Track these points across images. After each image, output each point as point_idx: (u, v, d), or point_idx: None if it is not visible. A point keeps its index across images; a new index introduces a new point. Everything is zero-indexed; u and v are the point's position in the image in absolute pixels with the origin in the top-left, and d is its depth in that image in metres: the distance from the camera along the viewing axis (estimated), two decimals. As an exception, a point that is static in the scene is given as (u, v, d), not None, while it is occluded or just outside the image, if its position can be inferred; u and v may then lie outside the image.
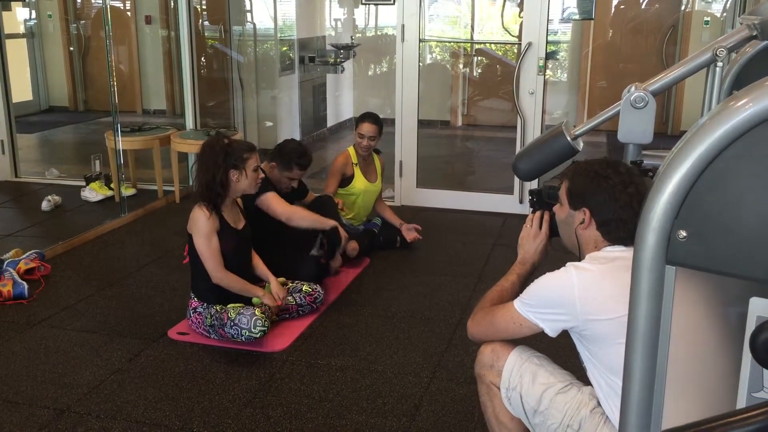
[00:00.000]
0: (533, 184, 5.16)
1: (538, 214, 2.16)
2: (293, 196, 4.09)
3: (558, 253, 2.14)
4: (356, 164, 4.43)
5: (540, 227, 2.15)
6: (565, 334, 1.99)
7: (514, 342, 2.10)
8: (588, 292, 1.88)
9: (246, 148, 3.31)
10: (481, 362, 2.14)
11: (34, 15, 8.31)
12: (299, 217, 3.66)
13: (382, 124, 4.44)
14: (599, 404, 1.95)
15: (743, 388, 0.91)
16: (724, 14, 7.51)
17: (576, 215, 1.97)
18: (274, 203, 3.62)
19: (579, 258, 2.00)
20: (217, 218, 3.22)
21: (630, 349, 0.94)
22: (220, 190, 3.21)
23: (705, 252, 0.86)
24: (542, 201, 2.15)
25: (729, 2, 7.36)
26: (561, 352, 2.24)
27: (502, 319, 2.03)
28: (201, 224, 3.19)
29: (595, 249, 1.95)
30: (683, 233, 0.87)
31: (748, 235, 0.83)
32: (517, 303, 1.99)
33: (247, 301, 3.30)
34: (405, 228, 4.56)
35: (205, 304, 3.28)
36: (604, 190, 1.90)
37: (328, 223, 3.69)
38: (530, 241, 2.16)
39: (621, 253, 1.91)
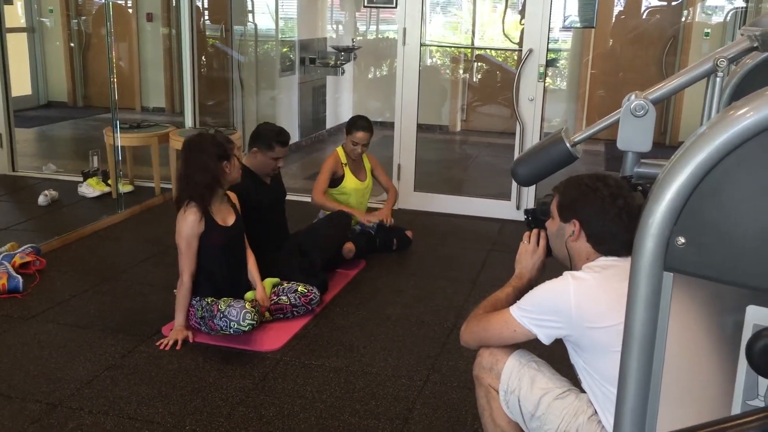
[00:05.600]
0: (529, 199, 5.18)
1: (535, 231, 2.18)
2: (276, 192, 4.05)
3: (558, 266, 2.14)
4: (345, 164, 4.50)
5: (537, 244, 2.16)
6: (560, 341, 1.99)
7: (513, 346, 2.10)
8: (584, 300, 1.89)
9: (227, 139, 3.35)
10: (479, 365, 2.14)
11: (35, 9, 8.30)
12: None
13: (373, 128, 4.52)
14: (596, 412, 1.95)
15: (738, 395, 0.92)
16: (725, 26, 7.53)
17: (566, 227, 1.99)
18: None
19: (571, 270, 2.02)
20: (204, 220, 3.23)
21: (626, 355, 0.94)
22: (216, 184, 3.23)
23: (703, 259, 0.86)
24: (537, 219, 2.18)
25: (729, 15, 7.39)
26: (558, 358, 2.24)
27: (496, 324, 2.04)
28: (187, 226, 3.21)
29: (587, 261, 1.97)
30: (681, 240, 0.87)
31: (745, 243, 0.84)
32: (513, 308, 2.01)
33: (239, 296, 3.30)
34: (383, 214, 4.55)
35: (198, 297, 3.28)
36: (593, 202, 1.93)
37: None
38: (528, 257, 2.17)
39: (615, 262, 1.93)
